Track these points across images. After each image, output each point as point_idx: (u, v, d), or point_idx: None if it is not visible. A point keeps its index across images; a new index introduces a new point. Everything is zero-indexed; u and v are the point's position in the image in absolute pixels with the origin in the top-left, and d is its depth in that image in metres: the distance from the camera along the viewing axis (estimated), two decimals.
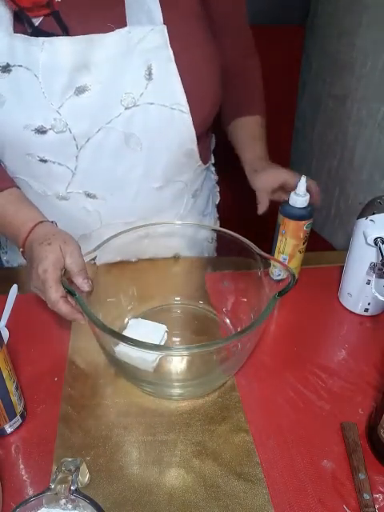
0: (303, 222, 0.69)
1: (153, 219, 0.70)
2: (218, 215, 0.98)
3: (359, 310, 0.71)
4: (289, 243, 0.71)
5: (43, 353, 0.64)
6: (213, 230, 0.78)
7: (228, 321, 0.69)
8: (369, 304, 0.69)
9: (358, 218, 0.65)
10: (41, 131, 0.63)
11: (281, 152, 1.78)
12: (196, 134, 0.70)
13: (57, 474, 0.42)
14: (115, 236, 0.64)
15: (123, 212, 0.74)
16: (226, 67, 0.75)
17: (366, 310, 0.70)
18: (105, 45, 0.60)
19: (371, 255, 0.64)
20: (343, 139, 1.45)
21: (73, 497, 0.41)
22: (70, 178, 0.69)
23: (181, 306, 0.73)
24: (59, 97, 0.61)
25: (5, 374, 0.49)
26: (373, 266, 0.65)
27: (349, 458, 0.50)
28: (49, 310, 0.57)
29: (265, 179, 0.76)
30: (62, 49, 0.59)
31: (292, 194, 0.69)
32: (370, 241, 0.62)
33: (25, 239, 0.61)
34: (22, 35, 0.59)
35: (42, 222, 0.63)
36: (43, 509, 0.41)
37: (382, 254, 0.60)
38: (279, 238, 0.72)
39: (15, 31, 0.60)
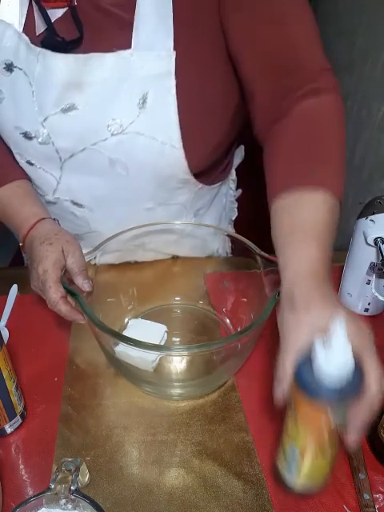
0: (330, 405, 0.37)
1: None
2: (233, 230, 0.87)
3: (359, 310, 0.71)
4: (302, 433, 0.40)
5: (43, 353, 0.64)
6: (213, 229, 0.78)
7: (228, 321, 0.69)
8: (369, 304, 0.69)
9: (358, 218, 0.65)
10: (27, 136, 0.62)
11: None
12: (192, 170, 0.64)
13: (57, 474, 0.42)
14: (115, 236, 0.64)
15: (113, 225, 0.67)
16: (261, 115, 0.57)
17: (366, 309, 0.70)
18: (102, 65, 0.56)
19: (371, 255, 0.64)
20: None
21: (73, 497, 0.41)
22: (56, 185, 0.68)
23: (181, 306, 0.72)
24: (46, 110, 0.60)
25: (5, 374, 0.49)
26: (373, 266, 0.65)
27: (349, 458, 0.50)
28: (49, 309, 0.57)
29: (298, 332, 0.41)
30: (54, 65, 0.57)
31: (317, 345, 0.37)
32: (370, 241, 0.62)
33: (25, 235, 0.62)
34: (26, 40, 0.58)
35: (44, 218, 0.63)
36: (43, 509, 0.41)
37: (382, 254, 0.60)
38: (288, 413, 0.42)
39: (24, 30, 0.58)
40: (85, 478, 0.48)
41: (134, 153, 0.61)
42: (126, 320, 0.68)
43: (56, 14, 0.57)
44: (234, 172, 0.83)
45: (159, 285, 0.72)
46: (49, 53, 0.57)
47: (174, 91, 0.57)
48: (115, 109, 0.58)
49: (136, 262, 0.74)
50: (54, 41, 0.57)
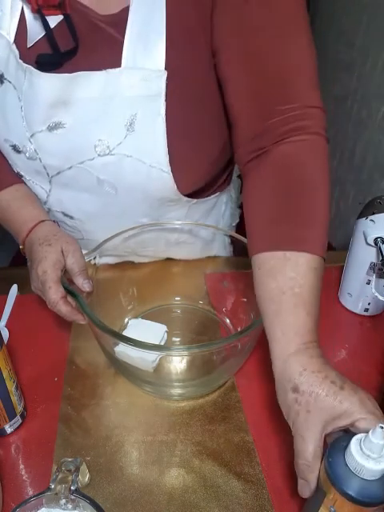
0: (372, 508, 0.36)
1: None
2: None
3: (359, 310, 0.71)
4: None
5: (43, 353, 0.64)
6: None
7: (228, 321, 0.69)
8: (369, 304, 0.69)
9: (358, 218, 0.65)
10: (16, 150, 0.62)
11: None
12: (182, 192, 0.63)
13: (57, 474, 0.42)
14: (115, 236, 0.64)
15: (104, 234, 0.65)
16: (243, 153, 0.55)
17: (366, 309, 0.70)
18: (90, 84, 0.54)
19: (371, 255, 0.64)
20: (343, 139, 1.45)
21: (73, 497, 0.41)
22: (46, 197, 0.67)
23: (181, 306, 0.72)
24: (33, 126, 0.58)
25: (5, 374, 0.49)
26: (373, 266, 0.65)
27: None
28: (49, 310, 0.57)
29: (310, 424, 0.39)
30: (40, 84, 0.55)
31: (354, 442, 0.36)
32: (370, 241, 0.62)
33: (25, 237, 0.62)
34: (16, 54, 0.55)
35: (43, 221, 0.63)
36: (43, 509, 0.41)
37: (382, 254, 0.60)
38: (318, 499, 0.39)
39: (15, 41, 0.56)
40: (85, 478, 0.48)
41: (122, 174, 0.59)
42: (126, 320, 0.68)
43: (50, 24, 0.55)
44: (237, 179, 0.80)
45: (159, 285, 0.72)
46: (34, 71, 0.54)
47: (163, 113, 0.54)
48: (102, 129, 0.56)
49: (136, 263, 0.74)
50: (45, 58, 0.54)
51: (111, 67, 0.53)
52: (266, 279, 0.47)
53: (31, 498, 0.41)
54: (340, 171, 1.49)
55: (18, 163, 0.64)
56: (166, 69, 0.52)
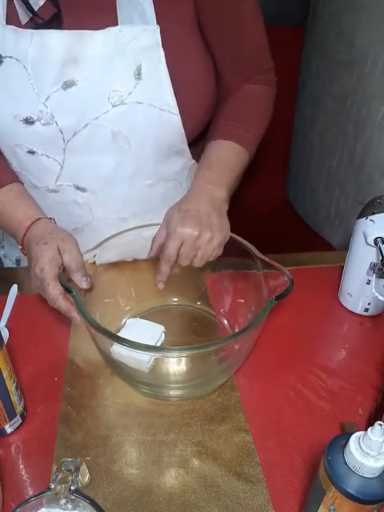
0: (372, 505, 0.36)
1: (145, 215, 0.70)
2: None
3: (359, 310, 0.71)
4: None
5: (43, 353, 0.64)
6: None
7: (226, 322, 0.69)
8: (369, 304, 0.69)
9: (357, 218, 0.65)
10: (28, 121, 0.63)
11: (281, 152, 1.78)
12: (188, 137, 0.69)
13: (57, 474, 0.42)
14: (116, 235, 0.63)
15: (115, 207, 0.74)
16: (222, 87, 0.73)
17: (366, 309, 0.70)
18: (94, 41, 0.59)
19: (371, 255, 0.64)
20: (343, 139, 1.44)
21: (73, 497, 0.41)
22: (59, 170, 0.68)
23: (179, 306, 0.72)
24: (47, 89, 0.61)
25: (5, 374, 0.49)
26: (373, 266, 0.65)
27: None
28: (49, 309, 0.57)
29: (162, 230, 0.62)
30: (50, 42, 0.59)
31: (353, 440, 0.36)
32: (370, 241, 0.62)
33: (23, 237, 0.62)
34: (13, 27, 0.59)
35: (39, 219, 0.63)
36: (43, 509, 0.41)
37: (382, 254, 0.60)
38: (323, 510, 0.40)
39: (7, 23, 0.60)
40: (85, 478, 0.48)
41: (135, 123, 0.64)
42: (124, 320, 0.67)
43: (38, 3, 0.60)
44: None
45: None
46: (44, 31, 0.58)
47: (164, 60, 0.62)
48: (113, 81, 0.62)
49: (135, 262, 0.74)
50: (37, 23, 0.60)
51: (110, 25, 0.59)
52: (206, 150, 0.71)
53: (31, 497, 0.41)
54: (340, 171, 1.49)
55: (31, 137, 0.65)
56: (157, 23, 0.60)
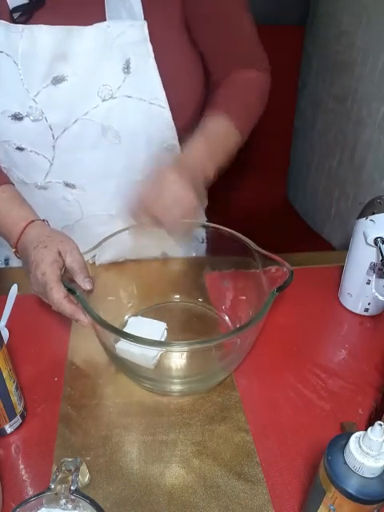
0: (372, 505, 0.37)
1: None
2: (205, 219, 0.87)
3: (359, 310, 0.71)
4: None
5: (43, 353, 0.64)
6: (212, 228, 0.77)
7: (227, 318, 0.69)
8: (369, 304, 0.69)
9: (357, 218, 0.65)
10: (17, 118, 0.63)
11: (281, 152, 1.78)
12: (179, 133, 0.69)
13: (57, 474, 0.42)
14: (115, 234, 0.63)
15: (104, 204, 0.73)
16: (211, 83, 0.74)
17: (366, 309, 0.70)
18: (83, 37, 0.60)
19: (371, 255, 0.64)
20: (343, 139, 1.44)
21: (73, 497, 0.41)
22: (48, 167, 0.68)
23: (180, 304, 0.73)
24: (36, 85, 0.61)
25: (5, 374, 0.49)
26: (373, 266, 0.65)
27: None
28: (49, 309, 0.56)
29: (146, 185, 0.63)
30: (40, 37, 0.59)
31: (353, 440, 0.36)
32: (370, 241, 0.62)
33: (17, 241, 0.62)
34: (4, 22, 0.59)
35: (33, 221, 0.63)
36: (43, 509, 0.41)
37: (382, 254, 0.60)
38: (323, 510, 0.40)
39: None
40: (85, 477, 0.48)
41: (125, 118, 0.64)
42: (126, 318, 0.68)
43: None
44: None
45: (159, 283, 0.72)
46: (34, 27, 0.59)
47: (152, 55, 0.62)
48: (103, 76, 0.62)
49: (135, 261, 0.73)
50: (23, 8, 0.60)
51: (98, 20, 0.60)
52: (202, 124, 0.70)
53: (31, 497, 0.41)
54: (340, 171, 1.49)
55: (20, 133, 0.64)
56: (145, 18, 0.61)
